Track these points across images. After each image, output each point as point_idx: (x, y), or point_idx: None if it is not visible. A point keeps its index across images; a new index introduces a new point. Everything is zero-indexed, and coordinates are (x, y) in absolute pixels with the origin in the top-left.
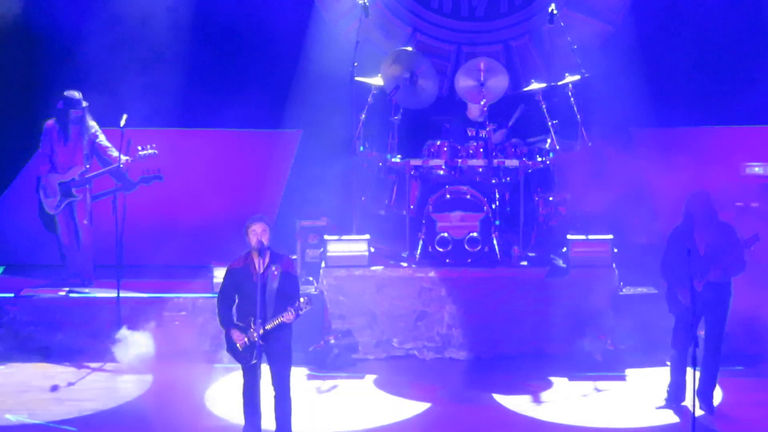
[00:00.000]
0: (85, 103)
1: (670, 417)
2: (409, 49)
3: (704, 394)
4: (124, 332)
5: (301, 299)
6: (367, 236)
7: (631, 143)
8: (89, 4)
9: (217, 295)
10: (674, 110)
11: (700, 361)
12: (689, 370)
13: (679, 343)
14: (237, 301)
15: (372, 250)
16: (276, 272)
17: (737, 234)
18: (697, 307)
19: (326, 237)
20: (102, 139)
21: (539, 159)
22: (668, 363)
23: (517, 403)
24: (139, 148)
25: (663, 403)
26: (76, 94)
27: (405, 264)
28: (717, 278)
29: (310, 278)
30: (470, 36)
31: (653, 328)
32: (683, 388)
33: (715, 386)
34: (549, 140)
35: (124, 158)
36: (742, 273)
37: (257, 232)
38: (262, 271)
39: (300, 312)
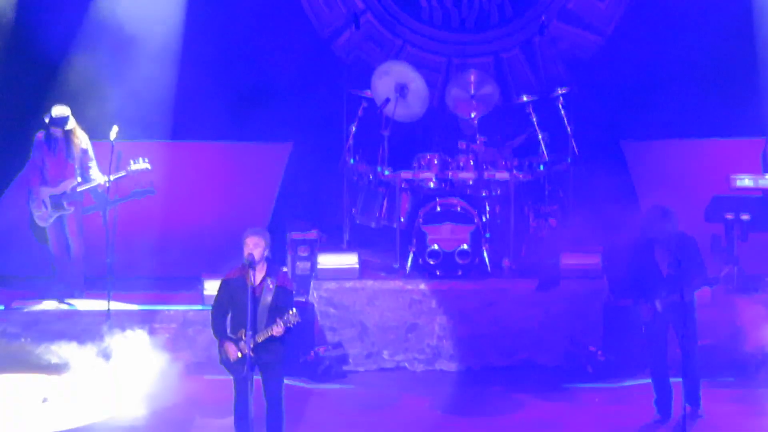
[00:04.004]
0: (71, 122)
1: (661, 428)
2: (400, 61)
3: (691, 400)
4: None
5: (290, 311)
6: (358, 249)
7: (621, 156)
8: (81, 16)
9: (208, 308)
10: (664, 122)
11: (682, 373)
12: (672, 382)
13: (652, 358)
14: (231, 312)
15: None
16: (271, 286)
17: (697, 246)
18: (660, 323)
19: (317, 250)
20: (90, 157)
21: (529, 171)
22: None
23: (507, 414)
24: (132, 162)
25: (654, 416)
26: (58, 112)
27: (395, 276)
28: (686, 299)
29: (301, 290)
30: (461, 48)
31: (643, 340)
32: (669, 399)
33: (699, 392)
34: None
35: (103, 179)
36: (708, 286)
37: (249, 246)
38: (256, 283)
39: (288, 324)
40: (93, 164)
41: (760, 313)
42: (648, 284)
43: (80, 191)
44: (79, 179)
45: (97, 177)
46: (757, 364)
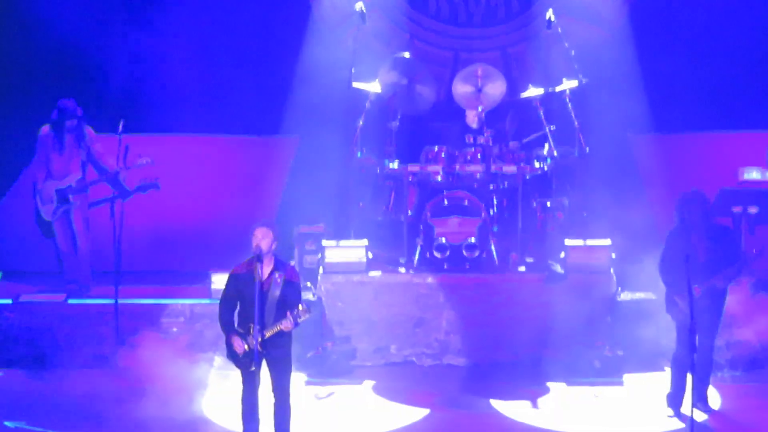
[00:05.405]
0: (78, 115)
1: (669, 423)
2: (407, 55)
3: (700, 394)
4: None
5: (300, 307)
6: (365, 242)
7: (629, 149)
8: (86, 10)
9: (216, 301)
10: (672, 116)
11: (691, 366)
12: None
13: (683, 349)
14: (239, 306)
15: (370, 255)
16: (279, 279)
17: (739, 237)
18: (696, 312)
19: (324, 243)
20: (98, 146)
21: (537, 165)
22: (667, 368)
23: (515, 409)
24: (139, 157)
25: (665, 410)
26: (65, 105)
27: (403, 270)
28: (720, 285)
29: (308, 284)
30: (468, 42)
31: (651, 334)
32: (683, 394)
33: (708, 387)
34: (546, 145)
35: (117, 168)
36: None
37: (257, 237)
38: (264, 277)
39: (298, 320)
40: (103, 154)
41: (761, 306)
42: (687, 271)
43: (86, 185)
44: (84, 173)
45: (114, 165)
46: (764, 358)
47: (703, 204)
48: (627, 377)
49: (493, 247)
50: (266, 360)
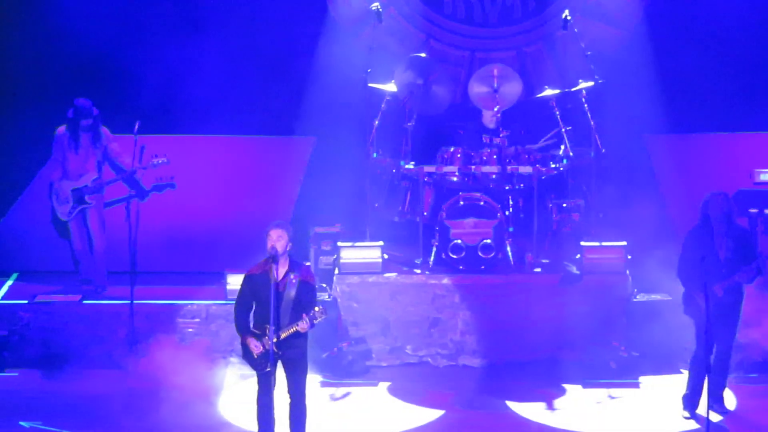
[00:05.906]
0: (94, 114)
1: (685, 423)
2: (423, 55)
3: (716, 395)
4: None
5: (316, 308)
6: (381, 243)
7: (644, 150)
8: (102, 10)
9: (231, 302)
10: (688, 116)
11: (708, 367)
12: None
13: (702, 350)
14: (254, 307)
15: (385, 256)
16: (294, 280)
17: (755, 238)
18: (713, 312)
19: (340, 244)
20: (115, 146)
21: (553, 165)
22: (683, 370)
23: (530, 410)
24: (153, 157)
25: (681, 412)
26: (82, 104)
27: (418, 271)
28: (743, 281)
29: (324, 285)
30: (484, 42)
31: (667, 335)
32: (699, 396)
33: (724, 389)
34: (562, 147)
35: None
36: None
37: (272, 238)
38: (279, 278)
39: (315, 321)
40: (120, 153)
41: None
42: (706, 270)
43: (101, 184)
44: (100, 172)
45: (130, 165)
46: None
47: (726, 205)
48: (643, 378)
49: (508, 248)
50: (282, 361)
